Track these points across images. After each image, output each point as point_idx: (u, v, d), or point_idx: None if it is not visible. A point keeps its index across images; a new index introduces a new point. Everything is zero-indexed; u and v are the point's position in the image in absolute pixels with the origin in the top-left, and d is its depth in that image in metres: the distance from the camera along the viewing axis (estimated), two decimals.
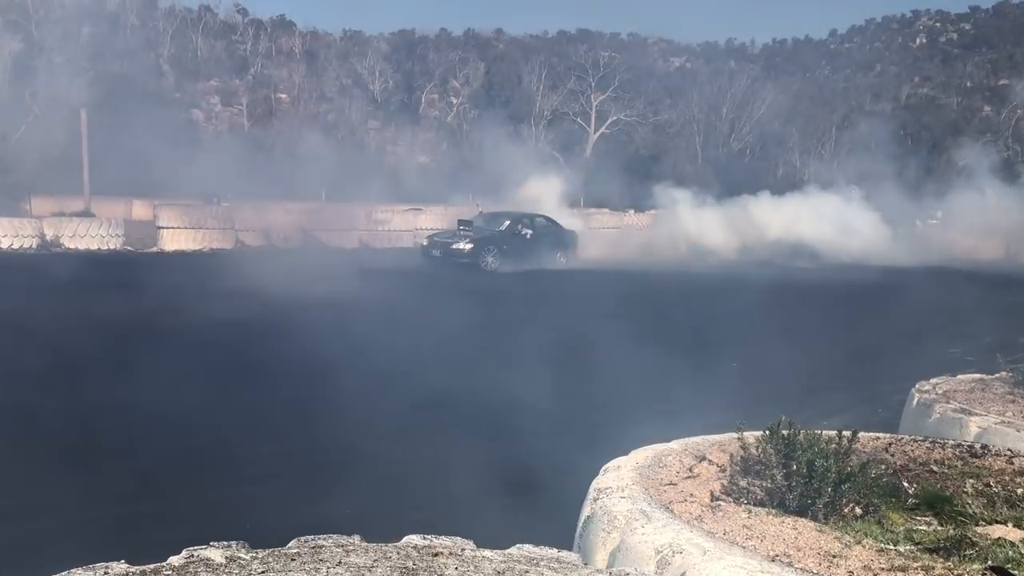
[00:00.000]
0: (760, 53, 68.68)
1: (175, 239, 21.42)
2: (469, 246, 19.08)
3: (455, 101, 51.86)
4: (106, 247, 20.33)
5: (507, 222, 20.64)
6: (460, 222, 20.15)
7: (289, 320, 9.90)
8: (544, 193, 26.54)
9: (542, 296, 14.92)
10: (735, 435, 3.33)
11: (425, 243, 20.27)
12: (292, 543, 2.30)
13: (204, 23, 50.14)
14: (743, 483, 2.97)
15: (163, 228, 21.50)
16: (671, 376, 7.11)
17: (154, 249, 21.02)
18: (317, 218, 24.42)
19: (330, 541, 2.31)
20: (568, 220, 23.98)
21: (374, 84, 50.15)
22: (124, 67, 42.73)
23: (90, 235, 20.30)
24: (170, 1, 50.62)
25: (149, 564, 2.11)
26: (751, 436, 3.21)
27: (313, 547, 2.26)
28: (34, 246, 19.35)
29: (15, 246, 19.08)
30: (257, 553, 2.21)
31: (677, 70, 62.05)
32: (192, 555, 2.17)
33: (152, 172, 26.09)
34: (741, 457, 3.13)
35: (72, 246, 19.89)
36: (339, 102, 47.04)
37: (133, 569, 2.07)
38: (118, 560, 2.10)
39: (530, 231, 20.55)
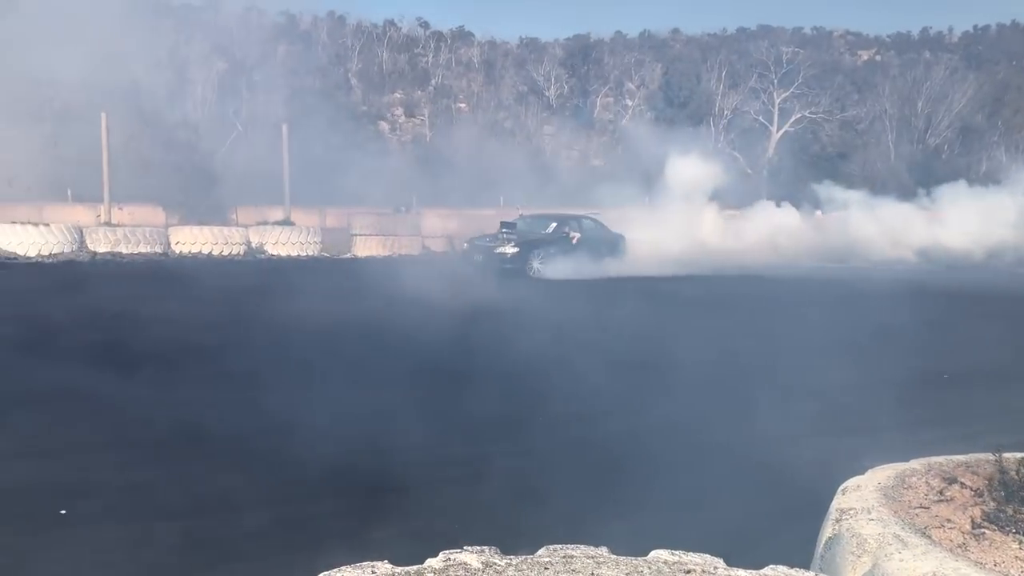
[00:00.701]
0: (959, 42, 64.15)
1: (367, 245, 22.48)
2: (514, 250, 17.56)
3: (630, 104, 51.52)
4: (305, 253, 21.62)
5: (553, 224, 19.07)
6: (503, 224, 18.35)
7: (490, 323, 10.10)
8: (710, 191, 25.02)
9: (696, 302, 14.46)
10: (988, 456, 3.09)
11: (466, 247, 18.71)
12: (542, 551, 2.31)
13: (389, 37, 52.32)
14: (1009, 510, 2.74)
15: (357, 235, 22.62)
16: (874, 389, 6.73)
17: (348, 255, 22.16)
18: (496, 224, 24.89)
19: (579, 551, 2.30)
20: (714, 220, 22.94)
21: (549, 90, 50.65)
22: (316, 83, 45.28)
23: (291, 242, 21.64)
24: (357, 18, 53.22)
25: (411, 566, 2.17)
26: (1011, 457, 2.95)
27: (564, 556, 2.26)
28: (241, 252, 20.84)
29: (224, 252, 20.62)
30: (511, 560, 2.23)
31: (865, 64, 58.99)
32: (449, 558, 2.21)
33: (342, 182, 27.49)
34: (1001, 481, 2.89)
35: (275, 252, 21.29)
36: (515, 109, 47.83)
37: (397, 570, 2.14)
38: (381, 560, 2.18)
39: (577, 234, 18.99)
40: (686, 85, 49.40)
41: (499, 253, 17.48)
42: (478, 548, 2.27)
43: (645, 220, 22.16)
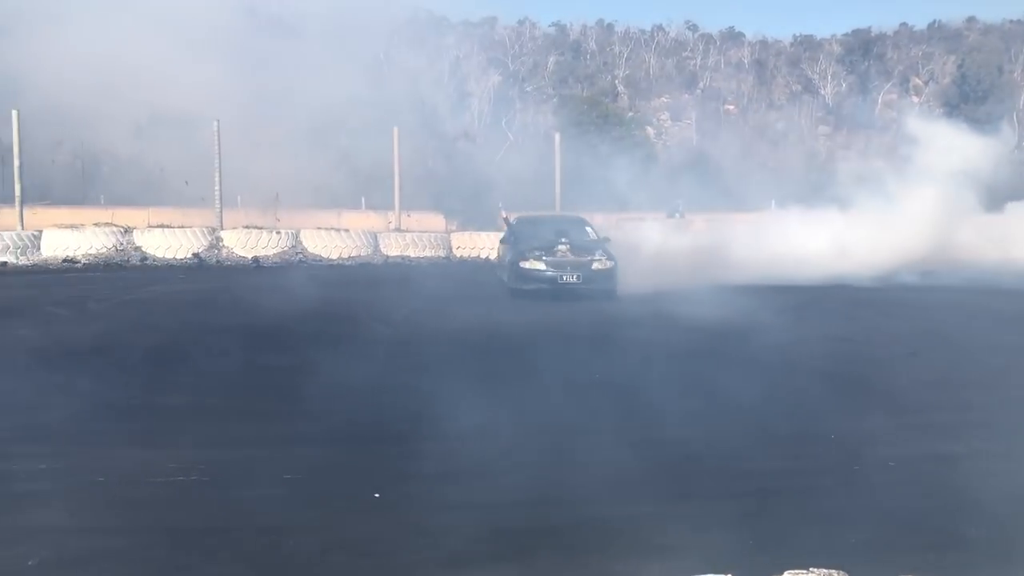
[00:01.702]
0: None
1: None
2: (575, 277, 12.92)
3: (916, 100, 47.82)
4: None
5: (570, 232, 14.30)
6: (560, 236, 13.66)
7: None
8: None
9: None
10: None
11: (507, 263, 13.59)
12: None
13: (656, 42, 52.25)
14: None
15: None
16: None
17: None
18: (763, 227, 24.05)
19: None
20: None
21: (825, 88, 48.21)
22: (584, 91, 46.16)
23: None
24: (625, 24, 53.59)
25: None
26: None
27: None
28: None
29: (492, 257, 21.54)
30: None
31: None
32: None
33: (609, 188, 27.79)
34: None
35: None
36: (788, 110, 46.00)
37: None
38: (726, 574, 2.14)
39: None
40: (985, 78, 45.07)
41: (565, 283, 12.96)
42: (826, 571, 2.17)
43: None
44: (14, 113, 16.14)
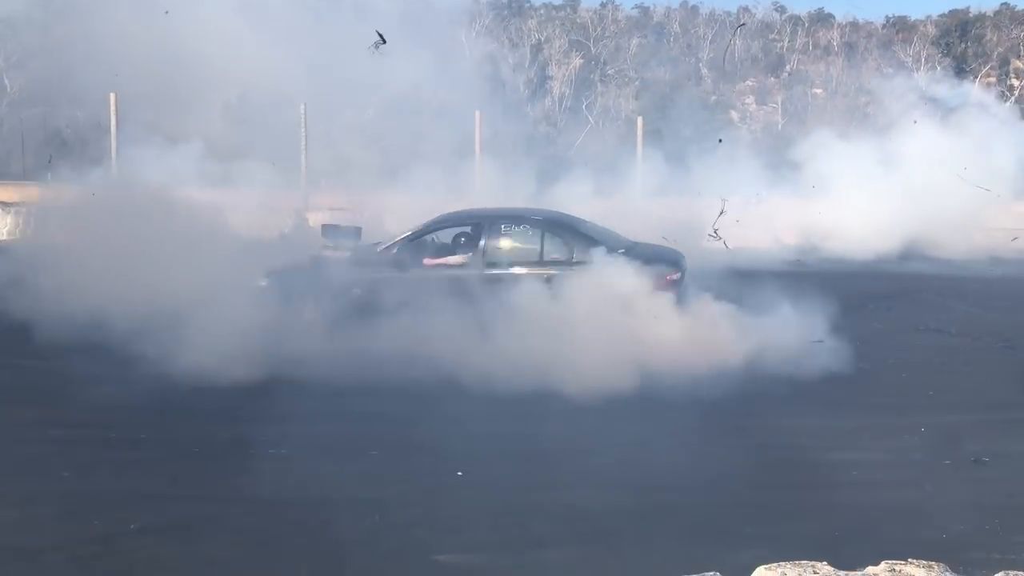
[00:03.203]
0: None
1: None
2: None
3: (1017, 83, 45.83)
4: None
5: (407, 232, 9.94)
6: (325, 229, 10.42)
7: None
8: None
9: None
10: None
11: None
12: (999, 575, 2.10)
13: (742, 24, 51.15)
14: None
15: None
16: None
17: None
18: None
19: None
20: None
21: (919, 71, 46.49)
22: (667, 74, 45.51)
23: None
24: (711, 7, 52.63)
25: (853, 571, 2.07)
26: None
27: None
28: None
29: None
30: None
31: None
32: (894, 568, 2.08)
33: (692, 172, 27.34)
34: None
35: None
36: (879, 94, 44.54)
37: (841, 573, 2.05)
38: (821, 561, 2.10)
39: (459, 257, 9.81)
40: None
41: None
42: (925, 563, 2.11)
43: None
44: (112, 96, 16.72)
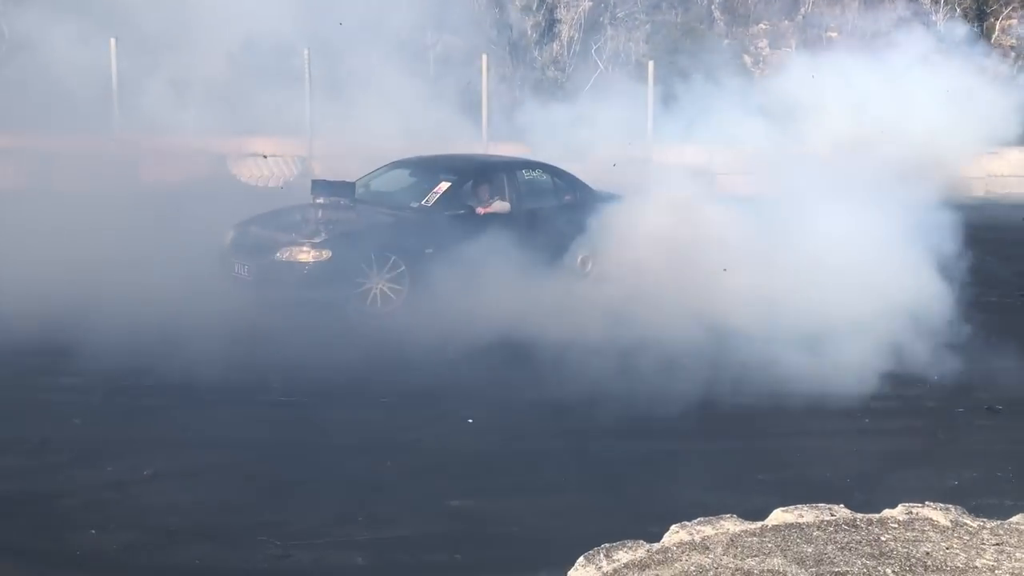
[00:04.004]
0: None
1: (730, 184, 21.94)
2: (319, 254, 8.49)
3: None
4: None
5: (445, 184, 9.59)
6: (316, 185, 9.17)
7: None
8: None
9: None
10: None
11: (227, 242, 9.12)
12: (1016, 518, 1.98)
13: None
14: None
15: (718, 174, 22.14)
16: None
17: None
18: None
19: None
20: None
21: (937, 14, 45.54)
22: (678, 17, 44.62)
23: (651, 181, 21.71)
24: None
25: (868, 513, 1.97)
26: None
27: None
28: None
29: None
30: (984, 523, 1.93)
31: None
32: (911, 511, 1.97)
33: (706, 118, 26.93)
34: None
35: None
36: (894, 37, 43.66)
37: (857, 516, 1.94)
38: (838, 504, 2.00)
39: (502, 202, 9.80)
40: None
41: (285, 263, 8.52)
42: (942, 505, 2.00)
43: None
44: (111, 41, 16.46)
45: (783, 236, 8.62)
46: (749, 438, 5.68)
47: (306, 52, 17.73)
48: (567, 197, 10.50)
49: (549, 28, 35.24)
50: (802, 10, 48.63)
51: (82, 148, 16.06)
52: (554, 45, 35.16)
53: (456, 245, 8.70)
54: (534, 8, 33.50)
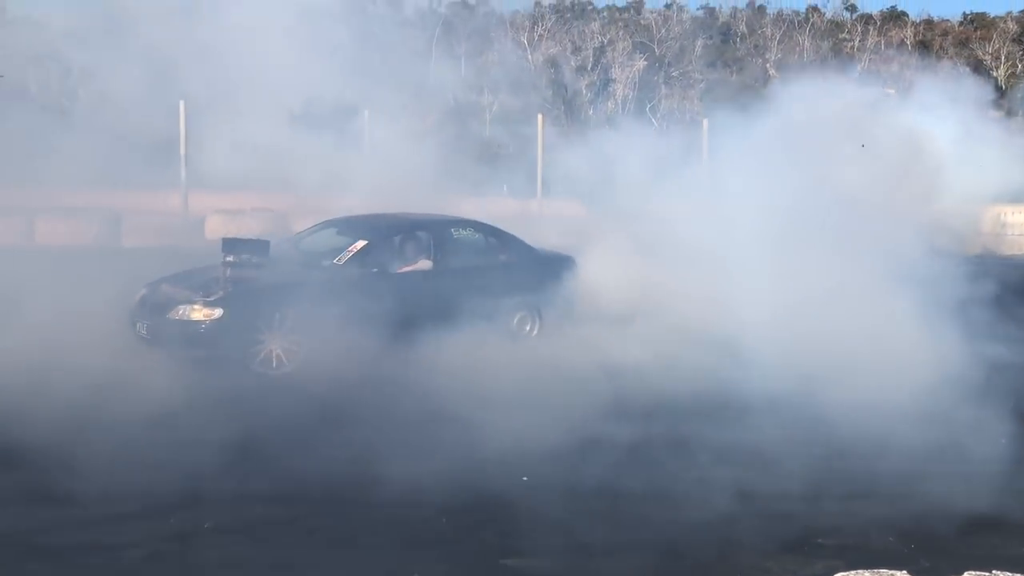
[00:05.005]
0: None
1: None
2: (211, 312, 8.44)
3: None
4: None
5: (361, 243, 9.56)
6: (226, 243, 9.12)
7: None
8: None
9: None
10: None
11: (136, 299, 9.09)
12: None
13: (811, 24, 50.14)
14: None
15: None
16: None
17: None
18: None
19: None
20: None
21: (998, 70, 45.02)
22: (733, 75, 44.81)
23: None
24: (778, 6, 51.73)
25: None
26: None
27: None
28: None
29: None
30: None
31: None
32: None
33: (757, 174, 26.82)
34: None
35: None
36: (956, 93, 43.17)
37: None
38: (901, 570, 1.92)
39: (426, 261, 9.77)
40: None
41: (178, 321, 8.51)
42: (1009, 573, 1.92)
43: None
44: (181, 104, 17.04)
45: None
46: (809, 501, 5.51)
47: (365, 114, 18.18)
48: (502, 256, 10.36)
49: (604, 88, 35.68)
50: (858, 68, 48.51)
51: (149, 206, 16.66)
52: (608, 103, 35.57)
53: (362, 304, 8.56)
54: (589, 68, 33.97)
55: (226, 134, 15.82)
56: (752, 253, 9.44)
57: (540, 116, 22.35)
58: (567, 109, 28.05)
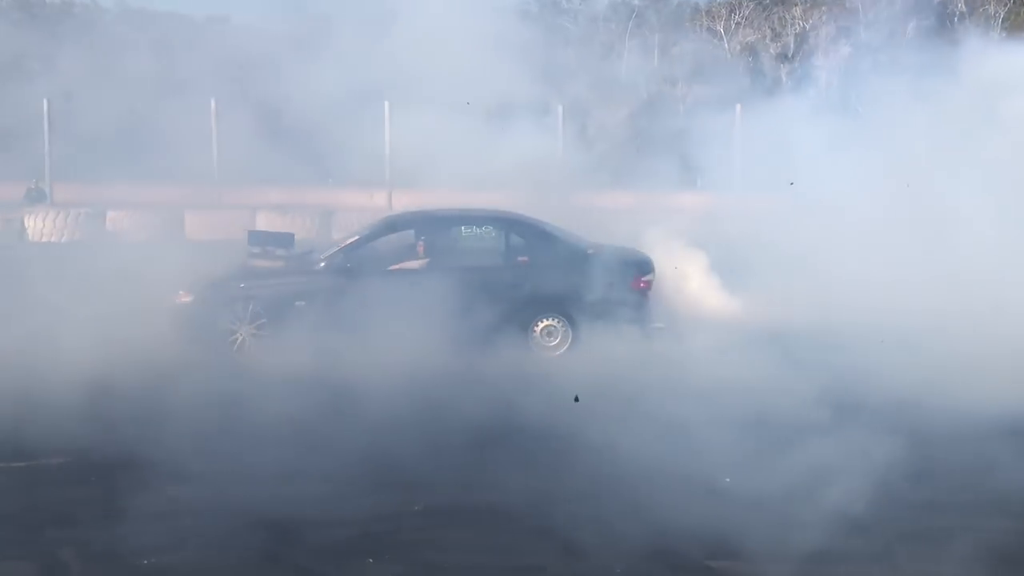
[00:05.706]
0: None
1: None
2: (184, 296, 9.07)
3: None
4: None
5: (352, 239, 9.41)
6: (252, 235, 9.69)
7: None
8: None
9: None
10: None
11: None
12: None
13: None
14: None
15: None
16: None
17: None
18: None
19: None
20: None
21: None
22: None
23: None
24: None
25: None
26: None
27: None
28: None
29: None
30: None
31: None
32: None
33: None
34: None
35: None
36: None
37: None
38: None
39: (420, 260, 9.17)
40: None
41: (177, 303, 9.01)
42: None
43: None
44: (386, 104, 17.72)
45: None
46: None
47: (560, 108, 18.31)
48: (520, 258, 9.19)
49: (806, 75, 34.15)
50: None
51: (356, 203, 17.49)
52: (810, 92, 34.04)
53: (336, 300, 8.57)
54: (789, 56, 32.68)
55: (423, 133, 16.34)
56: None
57: (738, 106, 21.69)
58: (766, 98, 27.04)
